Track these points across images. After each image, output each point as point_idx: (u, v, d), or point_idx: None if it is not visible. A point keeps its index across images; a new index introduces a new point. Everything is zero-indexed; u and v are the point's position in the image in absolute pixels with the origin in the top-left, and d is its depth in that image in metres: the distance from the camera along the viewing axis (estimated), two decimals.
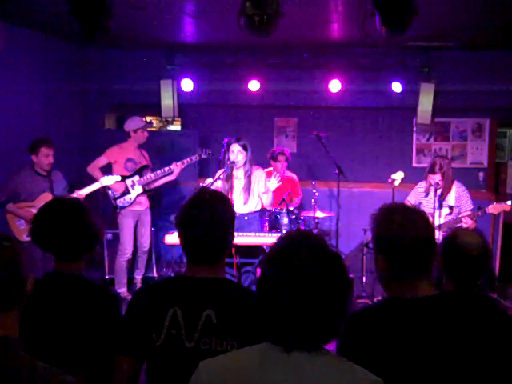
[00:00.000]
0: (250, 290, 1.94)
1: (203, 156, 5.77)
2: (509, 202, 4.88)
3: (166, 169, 5.80)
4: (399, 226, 1.75)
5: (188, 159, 5.77)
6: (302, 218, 5.81)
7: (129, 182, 5.84)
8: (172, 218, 6.76)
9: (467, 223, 4.83)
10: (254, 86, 7.07)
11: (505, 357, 1.77)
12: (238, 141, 4.94)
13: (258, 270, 5.09)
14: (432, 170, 5.00)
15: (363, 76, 7.02)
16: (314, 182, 5.95)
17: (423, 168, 7.46)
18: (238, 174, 5.04)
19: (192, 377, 1.45)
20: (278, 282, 1.38)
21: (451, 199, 5.02)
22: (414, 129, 7.40)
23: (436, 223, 4.87)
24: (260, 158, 5.78)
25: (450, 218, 5.01)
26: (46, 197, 5.14)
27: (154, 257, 6.58)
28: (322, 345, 1.41)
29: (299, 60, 6.99)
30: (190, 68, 7.19)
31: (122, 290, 5.96)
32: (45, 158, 5.07)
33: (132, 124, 5.94)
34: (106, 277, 6.35)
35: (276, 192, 5.92)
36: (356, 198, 7.45)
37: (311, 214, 5.98)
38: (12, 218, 5.12)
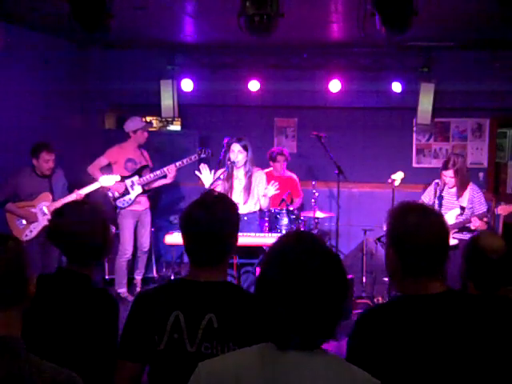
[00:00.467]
0: (252, 294, 1.92)
1: (202, 156, 5.77)
2: None
3: (165, 169, 5.80)
4: (414, 224, 1.75)
5: (187, 159, 5.77)
6: (301, 218, 5.81)
7: (128, 182, 5.84)
8: (172, 218, 6.79)
9: (475, 225, 4.72)
10: (254, 86, 7.06)
11: None
12: (238, 141, 4.94)
13: (258, 271, 5.09)
14: (445, 166, 4.90)
15: (363, 76, 7.02)
16: (313, 182, 5.95)
17: (423, 168, 7.55)
18: (238, 175, 5.04)
19: (191, 377, 1.45)
20: (277, 281, 1.39)
21: (464, 200, 4.92)
22: (414, 129, 7.39)
23: None
24: (260, 158, 5.78)
25: (461, 218, 4.88)
26: (46, 196, 5.16)
27: (153, 257, 6.59)
28: (320, 345, 1.42)
29: (299, 60, 6.98)
30: (190, 68, 7.19)
31: (122, 291, 5.97)
32: (45, 163, 5.09)
33: (132, 124, 5.94)
34: (106, 277, 6.36)
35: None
36: (356, 198, 7.45)
37: (311, 215, 5.98)
38: (11, 218, 5.12)
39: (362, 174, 7.33)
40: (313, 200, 5.86)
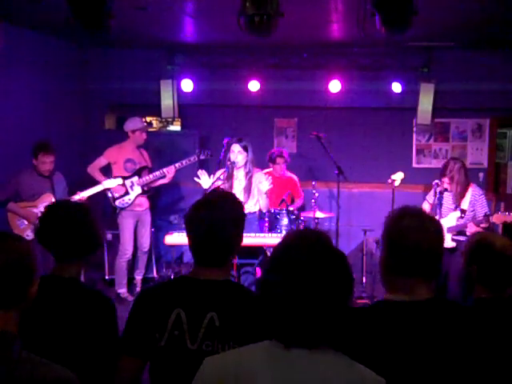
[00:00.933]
0: (253, 293, 1.92)
1: (201, 157, 5.76)
2: None
3: (164, 170, 5.79)
4: (407, 226, 1.77)
5: (186, 160, 5.76)
6: (301, 218, 5.81)
7: (128, 182, 5.83)
8: (172, 218, 6.80)
9: (470, 231, 4.65)
10: (253, 86, 7.06)
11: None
12: (239, 141, 4.94)
13: (258, 271, 5.09)
14: (441, 172, 4.97)
15: (363, 76, 7.02)
16: (313, 183, 5.95)
17: (423, 168, 7.54)
18: (238, 175, 5.04)
19: (197, 373, 1.46)
20: (282, 279, 1.39)
21: (465, 203, 4.90)
22: (414, 129, 7.39)
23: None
24: (260, 158, 5.78)
25: (462, 221, 4.85)
26: (48, 197, 5.16)
27: (153, 257, 6.58)
28: (323, 342, 1.41)
29: (299, 60, 6.98)
30: (190, 68, 7.18)
31: (122, 291, 5.97)
32: (42, 164, 5.10)
33: (131, 124, 5.94)
34: (106, 277, 6.36)
35: (276, 192, 5.92)
36: (356, 199, 7.44)
37: (311, 215, 5.98)
38: (13, 218, 5.12)
39: (361, 174, 7.32)
40: (313, 200, 5.86)
